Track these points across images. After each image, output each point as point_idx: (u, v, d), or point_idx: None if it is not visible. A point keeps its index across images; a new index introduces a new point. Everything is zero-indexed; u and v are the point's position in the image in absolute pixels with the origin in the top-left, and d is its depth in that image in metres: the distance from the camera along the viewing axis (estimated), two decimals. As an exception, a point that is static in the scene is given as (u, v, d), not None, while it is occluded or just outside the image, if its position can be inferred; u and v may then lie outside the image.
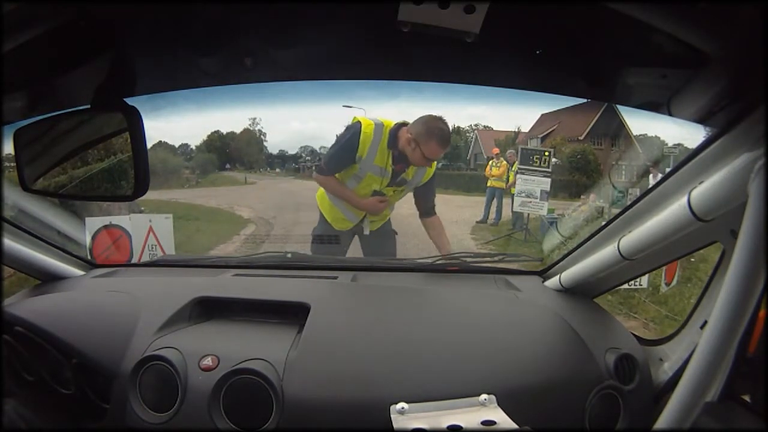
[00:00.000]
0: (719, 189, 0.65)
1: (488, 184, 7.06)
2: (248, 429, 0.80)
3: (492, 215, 6.94)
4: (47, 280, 1.22)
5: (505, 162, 6.99)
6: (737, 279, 0.57)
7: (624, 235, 0.89)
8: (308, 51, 0.65)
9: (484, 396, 0.79)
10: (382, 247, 2.05)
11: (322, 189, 2.03)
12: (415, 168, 1.88)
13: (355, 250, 2.12)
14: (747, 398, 0.75)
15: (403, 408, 0.77)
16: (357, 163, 1.85)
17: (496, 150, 8.02)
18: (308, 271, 1.33)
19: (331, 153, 1.95)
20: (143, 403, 0.84)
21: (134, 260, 2.48)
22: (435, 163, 1.90)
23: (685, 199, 0.70)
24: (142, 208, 4.26)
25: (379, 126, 1.83)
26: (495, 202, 6.94)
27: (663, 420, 0.64)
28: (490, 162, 7.25)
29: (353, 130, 1.82)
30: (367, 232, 2.01)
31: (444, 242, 1.98)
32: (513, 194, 5.65)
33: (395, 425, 0.75)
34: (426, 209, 2.01)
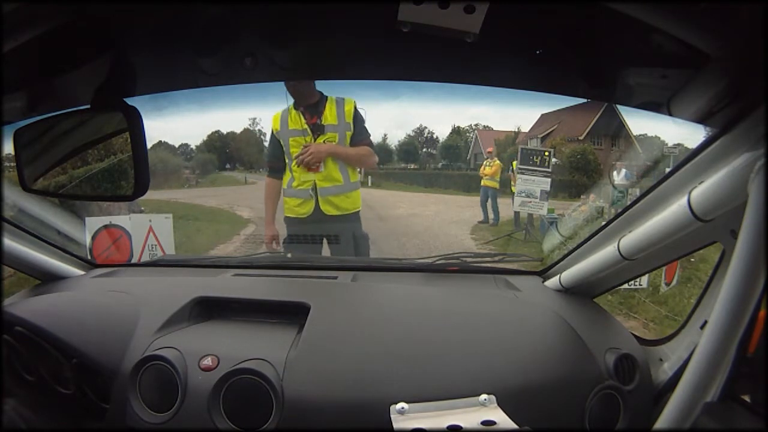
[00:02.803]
0: (719, 189, 0.65)
1: (481, 184, 7.06)
2: (248, 429, 0.80)
3: (491, 215, 6.94)
4: (47, 280, 1.22)
5: (497, 161, 6.98)
6: (737, 279, 0.57)
7: (624, 235, 0.89)
8: (308, 51, 0.65)
9: (484, 396, 0.79)
10: (351, 250, 2.07)
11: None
12: (330, 110, 2.01)
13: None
14: (747, 398, 0.75)
15: (403, 408, 0.78)
16: (280, 139, 2.06)
17: (491, 149, 8.01)
18: (308, 271, 1.33)
19: (266, 151, 2.22)
20: (143, 403, 0.84)
21: (134, 260, 2.47)
22: (352, 101, 2.05)
23: (685, 199, 0.70)
24: (142, 208, 4.26)
25: (285, 107, 2.06)
26: (490, 203, 6.94)
27: (663, 420, 0.65)
28: (485, 161, 7.25)
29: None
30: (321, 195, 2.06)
31: (351, 154, 2.06)
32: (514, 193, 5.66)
33: (395, 425, 0.75)
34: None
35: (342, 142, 2.04)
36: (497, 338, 0.94)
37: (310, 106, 2.01)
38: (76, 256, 1.31)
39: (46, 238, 1.21)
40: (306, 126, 2.01)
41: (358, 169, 2.16)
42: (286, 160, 2.08)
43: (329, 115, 2.02)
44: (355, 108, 2.04)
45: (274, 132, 2.08)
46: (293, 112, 2.03)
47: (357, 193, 2.13)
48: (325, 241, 2.08)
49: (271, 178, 2.18)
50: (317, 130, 2.02)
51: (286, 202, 2.12)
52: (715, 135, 0.67)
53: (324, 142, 2.02)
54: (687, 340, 0.96)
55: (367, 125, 2.10)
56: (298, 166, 2.02)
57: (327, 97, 2.03)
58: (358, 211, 2.14)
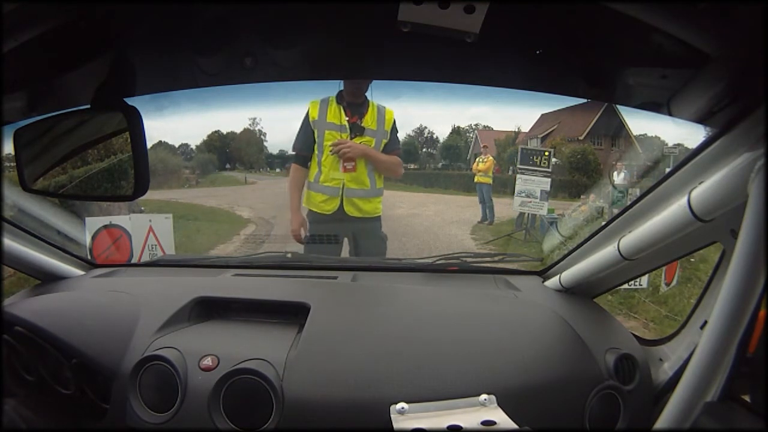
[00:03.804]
0: (719, 189, 0.65)
1: (475, 180, 7.05)
2: (248, 429, 0.80)
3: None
4: (47, 280, 1.22)
5: (491, 157, 7.00)
6: (737, 279, 0.57)
7: (624, 235, 0.89)
8: (308, 51, 0.65)
9: (484, 396, 0.79)
10: (370, 250, 2.08)
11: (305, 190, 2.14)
12: (371, 114, 2.00)
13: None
14: (747, 398, 0.75)
15: (403, 408, 0.78)
16: (314, 129, 2.01)
17: (485, 144, 8.03)
18: (308, 271, 1.33)
19: (296, 137, 2.13)
20: (143, 403, 0.84)
21: (134, 260, 2.47)
22: (392, 111, 2.06)
23: (685, 199, 0.70)
24: (142, 208, 4.26)
25: (326, 97, 2.03)
26: (486, 200, 6.94)
27: (663, 420, 0.65)
28: (477, 158, 7.25)
29: (305, 112, 2.07)
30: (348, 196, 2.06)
31: (383, 160, 2.07)
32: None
33: (395, 425, 0.75)
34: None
35: (376, 148, 2.04)
36: (497, 338, 0.94)
37: (354, 104, 2.00)
38: (76, 256, 1.31)
39: (46, 238, 1.21)
40: (346, 122, 2.00)
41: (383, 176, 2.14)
42: (316, 151, 2.05)
43: (370, 119, 2.02)
44: (394, 119, 2.06)
45: (311, 120, 2.04)
46: (334, 105, 2.00)
47: (379, 199, 2.12)
48: (345, 240, 2.08)
49: (298, 166, 2.13)
50: (356, 130, 2.01)
51: (311, 197, 2.10)
52: (715, 135, 0.67)
53: (359, 143, 2.02)
54: (687, 340, 0.96)
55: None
56: (332, 154, 1.99)
57: (369, 101, 2.03)
58: (379, 216, 2.13)
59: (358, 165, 2.01)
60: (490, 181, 6.91)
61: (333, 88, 2.05)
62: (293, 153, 2.17)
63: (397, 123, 2.08)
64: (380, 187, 2.10)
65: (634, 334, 1.04)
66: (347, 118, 2.00)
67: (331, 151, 1.99)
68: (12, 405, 0.91)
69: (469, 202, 8.14)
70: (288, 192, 2.15)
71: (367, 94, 2.03)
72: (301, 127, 2.08)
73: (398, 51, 0.64)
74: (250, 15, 0.58)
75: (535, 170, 5.25)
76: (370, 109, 2.02)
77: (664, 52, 0.55)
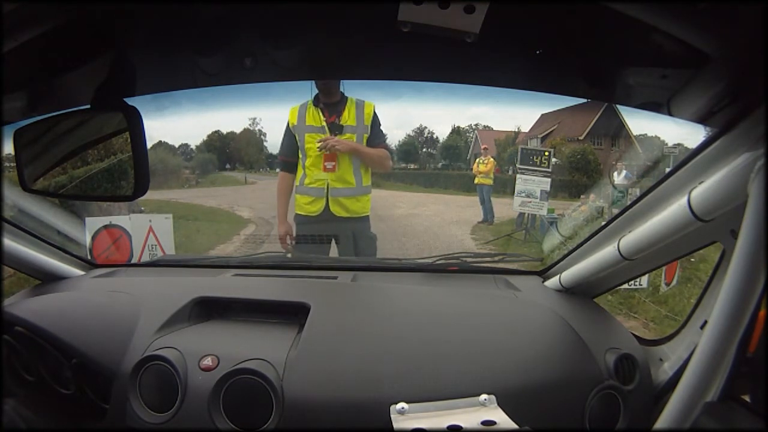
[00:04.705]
0: (719, 189, 0.65)
1: (475, 182, 7.06)
2: (248, 429, 0.80)
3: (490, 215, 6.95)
4: (47, 280, 1.22)
5: (492, 159, 7.01)
6: (737, 279, 0.57)
7: (624, 235, 0.89)
8: (308, 51, 0.65)
9: (484, 396, 0.79)
10: (359, 250, 2.08)
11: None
12: (349, 110, 2.01)
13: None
14: (747, 398, 0.75)
15: (403, 408, 0.78)
16: (295, 134, 2.03)
17: (486, 145, 8.04)
18: (308, 271, 1.33)
19: (280, 145, 2.16)
20: (143, 403, 0.85)
21: (134, 260, 2.47)
22: (372, 104, 2.06)
23: (685, 199, 0.70)
24: (142, 208, 4.26)
25: (304, 101, 2.06)
26: (486, 201, 6.95)
27: (663, 420, 0.65)
28: (477, 159, 7.26)
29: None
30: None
31: (371, 154, 2.06)
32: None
33: (395, 425, 0.75)
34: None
35: (359, 143, 2.03)
36: (497, 338, 0.94)
37: (331, 104, 2.01)
38: (76, 256, 1.31)
39: (46, 238, 1.21)
40: (324, 123, 2.01)
41: (371, 173, 2.13)
42: (300, 156, 2.06)
43: (348, 116, 2.02)
44: (374, 112, 2.05)
45: (291, 126, 2.06)
46: (312, 108, 2.02)
47: (368, 197, 2.11)
48: (333, 241, 2.07)
49: (285, 173, 2.15)
50: (335, 128, 2.01)
51: (297, 200, 2.11)
52: (715, 135, 0.68)
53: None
54: (687, 340, 0.96)
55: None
56: (320, 151, 2.00)
57: (347, 98, 2.04)
58: (367, 216, 2.12)
59: (340, 164, 2.01)
60: (491, 182, 6.93)
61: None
62: (279, 160, 2.20)
63: (378, 116, 2.07)
64: (367, 185, 2.10)
65: (634, 334, 1.04)
66: (325, 119, 2.01)
67: (319, 147, 2.00)
68: (12, 405, 0.91)
69: (469, 202, 8.14)
70: (289, 188, 2.16)
71: (344, 91, 2.04)
72: (284, 134, 2.10)
73: (398, 51, 0.64)
74: (250, 15, 0.58)
75: (535, 170, 5.25)
76: (347, 105, 2.02)
77: (664, 52, 0.55)
